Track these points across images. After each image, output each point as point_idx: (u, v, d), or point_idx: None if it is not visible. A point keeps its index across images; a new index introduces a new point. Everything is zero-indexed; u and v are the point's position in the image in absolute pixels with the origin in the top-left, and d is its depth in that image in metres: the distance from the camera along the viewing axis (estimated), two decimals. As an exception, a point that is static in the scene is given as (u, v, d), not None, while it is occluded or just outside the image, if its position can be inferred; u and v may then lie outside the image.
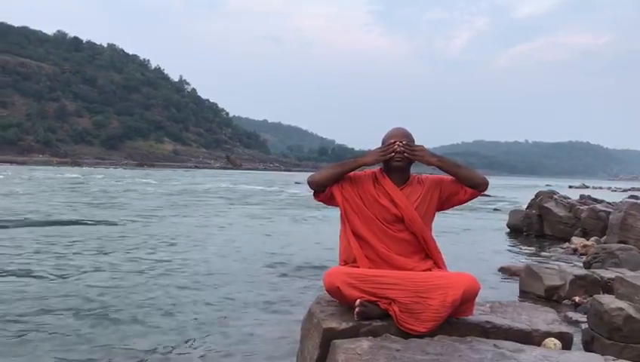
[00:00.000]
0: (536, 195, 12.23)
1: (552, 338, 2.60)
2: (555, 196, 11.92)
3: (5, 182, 26.29)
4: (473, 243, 9.70)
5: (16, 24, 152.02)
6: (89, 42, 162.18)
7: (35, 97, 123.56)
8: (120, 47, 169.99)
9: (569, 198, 12.07)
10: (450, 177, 2.91)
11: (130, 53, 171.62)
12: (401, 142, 2.82)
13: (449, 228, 11.30)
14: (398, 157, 2.82)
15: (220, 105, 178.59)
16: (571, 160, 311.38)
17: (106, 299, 4.62)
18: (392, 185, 2.85)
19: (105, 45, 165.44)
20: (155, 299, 4.70)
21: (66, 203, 15.13)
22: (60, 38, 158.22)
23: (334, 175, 2.89)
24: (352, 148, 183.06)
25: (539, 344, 2.59)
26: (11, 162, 79.75)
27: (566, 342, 2.66)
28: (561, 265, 5.81)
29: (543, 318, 2.86)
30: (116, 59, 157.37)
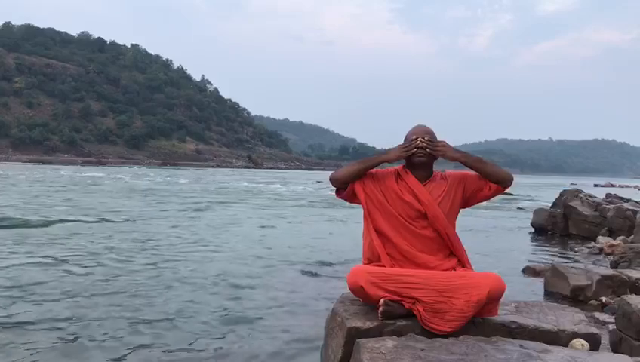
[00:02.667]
0: (561, 194, 12.06)
1: (580, 339, 2.56)
2: (581, 195, 11.73)
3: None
4: (497, 242, 9.59)
5: (42, 26, 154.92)
6: (112, 43, 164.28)
7: (60, 98, 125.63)
8: (143, 47, 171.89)
9: (595, 197, 11.86)
10: (474, 173, 2.87)
11: (153, 53, 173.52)
12: (423, 138, 2.80)
13: (472, 227, 11.19)
14: (421, 153, 2.80)
15: (242, 105, 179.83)
16: (597, 158, 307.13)
17: (131, 294, 4.66)
18: (415, 181, 2.82)
19: (128, 46, 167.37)
20: (177, 297, 4.72)
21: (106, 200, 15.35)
22: (85, 38, 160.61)
23: (356, 172, 2.88)
24: (374, 147, 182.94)
25: (566, 345, 2.54)
26: (37, 161, 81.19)
27: (594, 343, 2.62)
28: (588, 265, 5.72)
29: (569, 319, 2.81)
30: (139, 59, 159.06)
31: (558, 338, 2.57)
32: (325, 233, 10.14)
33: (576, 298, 5.03)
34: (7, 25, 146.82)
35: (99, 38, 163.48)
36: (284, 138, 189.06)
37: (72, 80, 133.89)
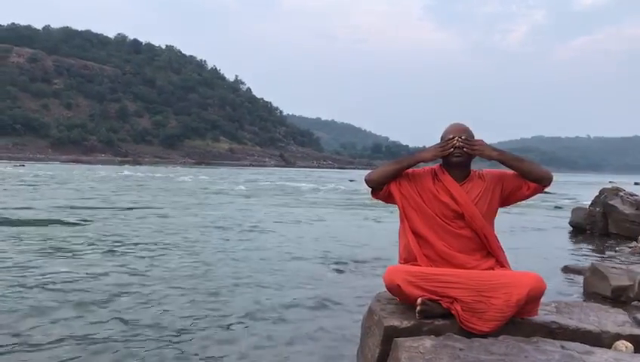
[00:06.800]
0: (601, 192, 11.75)
1: (624, 341, 2.50)
2: (621, 193, 11.43)
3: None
4: (534, 242, 9.43)
5: (80, 28, 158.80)
6: (148, 44, 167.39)
7: (98, 98, 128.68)
8: (177, 48, 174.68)
9: (636, 195, 11.54)
10: (512, 172, 2.83)
11: (188, 54, 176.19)
12: (460, 137, 2.77)
13: (509, 226, 11.03)
14: (458, 153, 2.76)
15: (274, 104, 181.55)
16: (637, 155, 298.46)
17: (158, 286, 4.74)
18: (451, 181, 2.79)
19: (163, 47, 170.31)
20: (209, 293, 4.77)
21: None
22: (121, 40, 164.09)
23: (392, 172, 2.86)
24: (407, 145, 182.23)
25: (609, 346, 2.49)
26: (76, 161, 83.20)
27: (638, 345, 2.55)
28: (629, 265, 5.58)
29: (612, 319, 2.75)
30: (174, 60, 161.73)
31: (600, 340, 2.52)
32: (360, 232, 10.11)
33: (618, 299, 4.91)
34: (46, 28, 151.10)
35: (135, 39, 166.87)
36: (316, 137, 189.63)
37: (109, 81, 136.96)
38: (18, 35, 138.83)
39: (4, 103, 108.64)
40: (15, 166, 51.15)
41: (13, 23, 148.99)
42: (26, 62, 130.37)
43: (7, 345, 3.31)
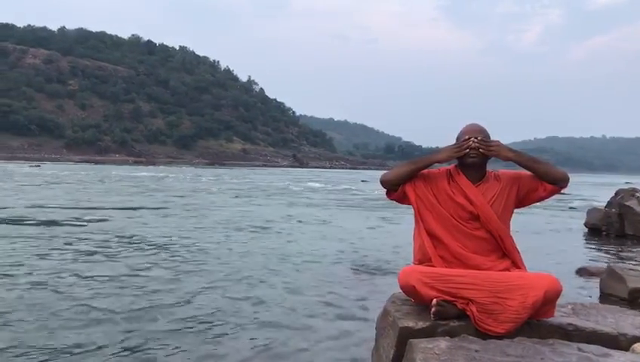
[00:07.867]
0: (617, 193, 11.64)
1: (642, 344, 2.47)
2: (637, 194, 11.30)
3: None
4: (549, 243, 9.36)
5: (95, 29, 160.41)
6: (162, 45, 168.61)
7: (112, 99, 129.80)
8: (191, 49, 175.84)
9: (652, 196, 11.40)
10: (528, 173, 2.81)
11: (201, 55, 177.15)
12: (475, 138, 2.75)
13: (523, 227, 10.95)
14: (473, 154, 2.74)
15: (287, 105, 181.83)
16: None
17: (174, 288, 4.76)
18: (467, 182, 2.78)
19: (177, 48, 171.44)
20: (224, 293, 4.79)
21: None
22: (135, 41, 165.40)
23: (407, 173, 2.84)
24: (420, 146, 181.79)
25: (626, 349, 2.46)
26: (90, 161, 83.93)
27: (656, 348, 2.52)
28: (646, 267, 5.52)
29: (630, 322, 2.72)
30: (187, 61, 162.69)
31: (617, 342, 2.49)
32: (374, 232, 10.10)
33: (635, 301, 4.86)
34: (61, 29, 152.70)
35: (148, 40, 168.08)
36: (328, 137, 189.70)
37: (123, 82, 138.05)
38: (34, 37, 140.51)
39: (20, 104, 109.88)
40: (31, 166, 51.81)
41: (29, 25, 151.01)
42: (42, 64, 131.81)
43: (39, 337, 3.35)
